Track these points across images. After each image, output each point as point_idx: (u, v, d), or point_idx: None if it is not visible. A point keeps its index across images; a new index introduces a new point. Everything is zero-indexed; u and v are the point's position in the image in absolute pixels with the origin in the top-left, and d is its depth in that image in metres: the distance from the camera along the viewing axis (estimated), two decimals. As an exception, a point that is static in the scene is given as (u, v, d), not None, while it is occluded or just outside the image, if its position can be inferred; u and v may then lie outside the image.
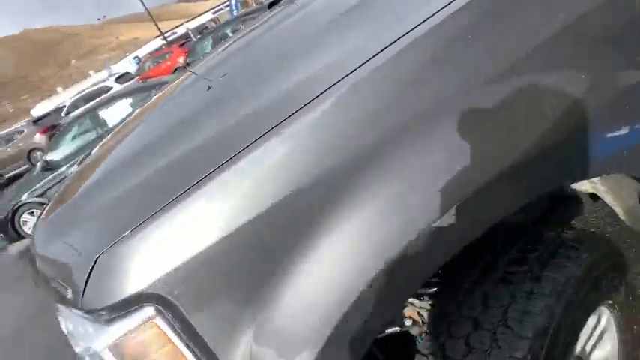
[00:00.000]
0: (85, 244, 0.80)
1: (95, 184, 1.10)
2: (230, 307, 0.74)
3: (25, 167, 12.65)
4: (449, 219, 0.82)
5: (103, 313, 0.73)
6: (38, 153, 12.18)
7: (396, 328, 1.20)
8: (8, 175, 13.51)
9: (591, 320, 1.12)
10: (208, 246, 0.72)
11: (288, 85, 0.92)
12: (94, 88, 16.44)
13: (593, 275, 1.01)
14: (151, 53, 26.07)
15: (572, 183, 1.13)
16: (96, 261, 0.72)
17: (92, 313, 0.74)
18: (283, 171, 0.77)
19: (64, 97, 28.72)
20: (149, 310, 0.71)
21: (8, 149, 13.95)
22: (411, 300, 1.16)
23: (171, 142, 1.02)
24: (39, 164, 7.24)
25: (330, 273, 0.77)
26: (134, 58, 30.29)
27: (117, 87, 14.13)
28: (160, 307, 0.71)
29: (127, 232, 0.73)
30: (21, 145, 13.59)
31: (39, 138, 12.91)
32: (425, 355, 0.99)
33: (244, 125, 0.87)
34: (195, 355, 0.73)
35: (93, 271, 0.72)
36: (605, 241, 1.12)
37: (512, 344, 0.88)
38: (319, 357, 0.76)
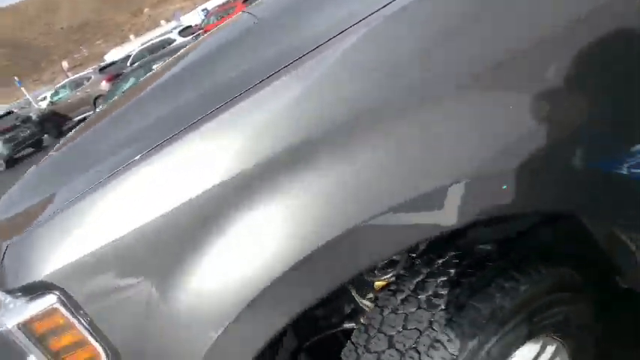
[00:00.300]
0: (10, 226, 0.87)
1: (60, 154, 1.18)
2: (130, 298, 0.78)
3: (90, 112, 13.47)
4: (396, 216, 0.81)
5: (19, 294, 0.80)
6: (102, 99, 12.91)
7: (352, 324, 1.22)
8: (76, 118, 14.47)
9: (528, 351, 1.08)
10: (110, 240, 0.76)
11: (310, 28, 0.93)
12: (158, 39, 16.97)
13: (530, 309, 0.97)
14: (218, 6, 26.31)
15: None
16: (7, 247, 0.78)
17: (9, 293, 0.81)
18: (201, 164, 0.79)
19: (135, 45, 29.83)
20: (52, 298, 0.77)
21: (77, 93, 14.88)
22: (367, 302, 1.17)
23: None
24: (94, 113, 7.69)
25: (242, 258, 0.79)
26: (203, 10, 30.64)
27: (179, 40, 14.52)
28: (61, 296, 0.77)
29: (38, 223, 0.78)
30: (88, 90, 14.44)
31: (104, 85, 13.65)
32: (344, 364, 1.00)
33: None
34: (97, 341, 0.79)
35: (5, 255, 0.79)
36: (560, 274, 1.05)
37: (417, 371, 0.88)
38: (215, 344, 0.79)
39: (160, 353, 0.81)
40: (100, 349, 0.79)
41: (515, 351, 0.98)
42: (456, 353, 0.88)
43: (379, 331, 0.97)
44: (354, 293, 1.27)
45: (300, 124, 0.80)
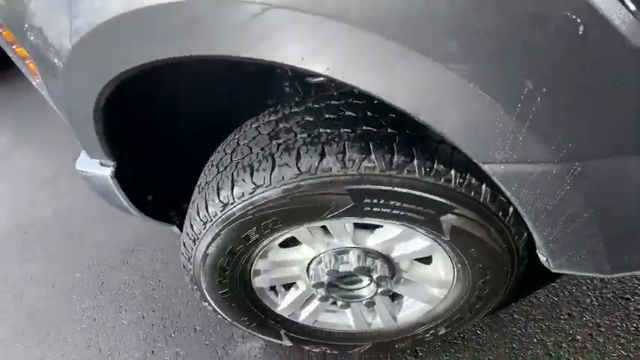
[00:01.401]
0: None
1: None
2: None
3: None
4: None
5: None
6: None
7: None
8: None
9: (387, 231, 1.01)
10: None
11: None
12: None
13: (365, 188, 0.87)
14: None
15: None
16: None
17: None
18: None
19: None
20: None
21: None
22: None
23: None
24: None
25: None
26: None
27: None
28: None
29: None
30: None
31: None
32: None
33: None
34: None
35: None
36: (447, 180, 0.86)
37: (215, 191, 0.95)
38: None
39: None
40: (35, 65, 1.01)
41: (336, 217, 0.93)
42: (259, 184, 0.88)
43: (238, 136, 1.00)
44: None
45: None
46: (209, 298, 1.17)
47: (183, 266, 1.13)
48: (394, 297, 1.28)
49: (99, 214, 2.53)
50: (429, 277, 1.15)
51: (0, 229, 2.65)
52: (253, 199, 0.90)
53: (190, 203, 1.05)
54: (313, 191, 0.87)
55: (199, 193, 1.01)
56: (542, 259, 0.84)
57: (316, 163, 0.85)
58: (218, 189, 0.94)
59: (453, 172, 0.87)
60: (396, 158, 0.85)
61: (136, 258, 2.24)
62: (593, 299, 1.35)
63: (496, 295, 1.15)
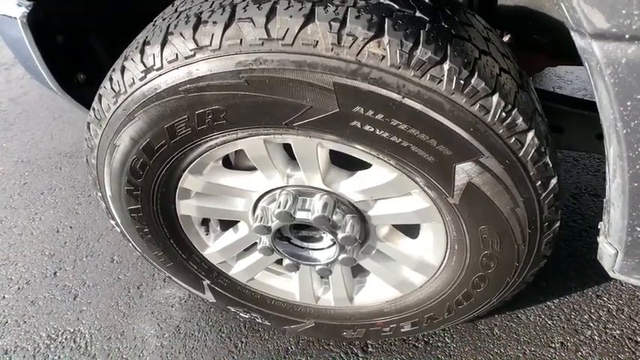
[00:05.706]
0: None
1: None
2: None
3: None
4: None
5: None
6: None
7: None
8: None
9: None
10: None
11: None
12: None
13: (343, 85, 0.57)
14: None
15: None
16: None
17: None
18: None
19: None
20: None
21: None
22: None
23: None
24: None
25: None
26: None
27: None
28: None
29: None
30: None
31: None
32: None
33: None
34: None
35: None
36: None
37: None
38: None
39: None
40: None
41: (308, 128, 0.63)
42: (202, 44, 0.57)
43: None
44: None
45: None
46: (114, 213, 0.86)
47: (86, 160, 0.81)
48: (357, 272, 1.00)
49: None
50: (410, 256, 0.86)
51: None
52: (191, 67, 0.59)
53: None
54: (282, 74, 0.56)
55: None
56: (608, 251, 0.56)
57: (296, 28, 0.54)
58: (144, 44, 0.62)
59: (496, 97, 0.57)
60: (419, 51, 0.54)
61: (71, 164, 1.91)
62: (595, 333, 1.09)
63: (490, 299, 0.87)
